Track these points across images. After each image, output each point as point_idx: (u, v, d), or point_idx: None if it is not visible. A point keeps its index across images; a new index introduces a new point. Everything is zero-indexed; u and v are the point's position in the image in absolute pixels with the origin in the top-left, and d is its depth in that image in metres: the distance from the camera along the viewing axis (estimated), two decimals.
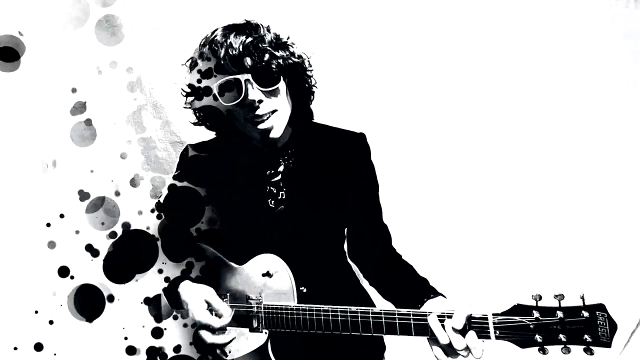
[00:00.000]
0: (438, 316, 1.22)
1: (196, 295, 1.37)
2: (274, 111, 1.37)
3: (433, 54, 1.95)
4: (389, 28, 1.94)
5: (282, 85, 1.39)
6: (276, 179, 1.44)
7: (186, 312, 1.38)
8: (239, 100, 1.34)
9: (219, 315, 1.36)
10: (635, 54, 1.92)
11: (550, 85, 1.95)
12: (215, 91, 1.35)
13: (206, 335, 1.36)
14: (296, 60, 1.41)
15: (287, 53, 1.39)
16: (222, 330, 1.36)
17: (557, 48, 1.94)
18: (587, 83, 1.94)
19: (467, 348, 1.20)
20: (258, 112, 1.35)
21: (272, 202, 1.43)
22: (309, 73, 1.45)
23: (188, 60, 1.42)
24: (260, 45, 1.35)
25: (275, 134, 1.39)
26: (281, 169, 1.45)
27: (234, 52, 1.33)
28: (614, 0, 1.91)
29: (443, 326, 1.21)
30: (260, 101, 1.34)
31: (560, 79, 1.94)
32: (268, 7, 1.61)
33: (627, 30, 1.91)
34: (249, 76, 1.33)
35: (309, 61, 1.45)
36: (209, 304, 1.37)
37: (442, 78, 1.96)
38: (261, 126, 1.36)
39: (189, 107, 1.44)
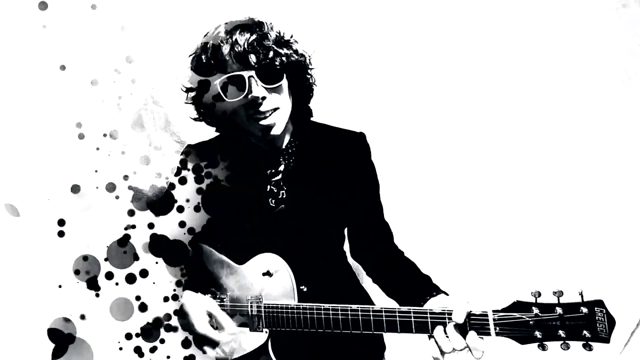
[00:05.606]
0: (439, 313, 1.23)
1: (198, 307, 1.38)
2: (276, 109, 1.37)
3: (433, 53, 1.96)
4: (389, 27, 1.95)
5: (284, 83, 1.39)
6: (277, 178, 1.45)
7: (186, 323, 1.38)
8: (242, 97, 1.35)
9: (221, 328, 1.37)
10: (634, 55, 1.93)
11: (548, 84, 1.95)
12: (219, 87, 1.37)
13: (209, 350, 1.37)
14: (298, 58, 1.42)
15: (290, 51, 1.40)
16: (225, 344, 1.37)
17: (557, 48, 1.95)
18: (585, 82, 1.95)
19: (467, 348, 1.21)
20: (261, 108, 1.36)
21: (273, 201, 1.44)
22: (310, 71, 1.46)
23: (190, 56, 1.43)
24: (264, 42, 1.36)
25: (276, 131, 1.39)
26: (282, 168, 1.45)
27: (239, 49, 1.34)
28: (615, 1, 1.92)
29: (445, 331, 1.22)
30: (263, 98, 1.35)
31: (559, 79, 1.95)
32: (269, 5, 1.61)
33: (627, 31, 1.92)
34: (252, 73, 1.35)
35: (310, 59, 1.47)
36: (211, 317, 1.37)
37: (442, 77, 1.96)
38: (263, 122, 1.37)
39: (190, 103, 1.45)
